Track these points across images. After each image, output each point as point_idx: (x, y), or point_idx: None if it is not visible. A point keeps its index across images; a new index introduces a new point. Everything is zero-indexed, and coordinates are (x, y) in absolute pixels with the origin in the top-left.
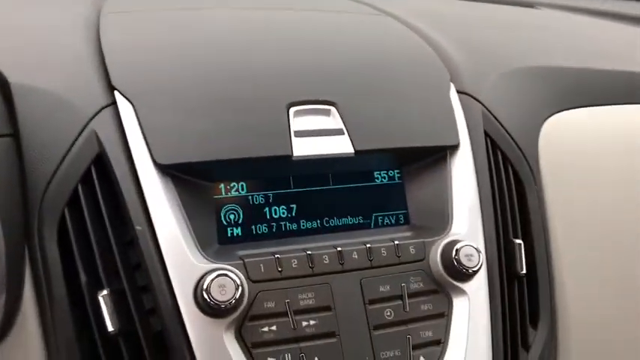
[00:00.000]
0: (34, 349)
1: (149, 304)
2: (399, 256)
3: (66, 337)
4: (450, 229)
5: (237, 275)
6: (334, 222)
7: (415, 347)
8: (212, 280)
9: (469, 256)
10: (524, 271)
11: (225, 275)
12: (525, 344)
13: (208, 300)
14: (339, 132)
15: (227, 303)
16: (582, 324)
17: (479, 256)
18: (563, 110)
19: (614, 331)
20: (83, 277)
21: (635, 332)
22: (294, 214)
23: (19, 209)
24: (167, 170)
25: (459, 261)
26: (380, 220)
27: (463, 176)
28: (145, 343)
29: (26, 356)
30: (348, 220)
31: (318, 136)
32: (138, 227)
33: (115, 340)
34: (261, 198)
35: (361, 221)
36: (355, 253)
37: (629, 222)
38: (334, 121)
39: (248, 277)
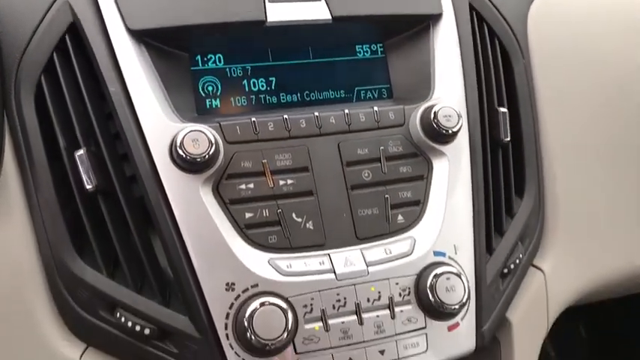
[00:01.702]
0: (16, 210)
1: (127, 163)
2: (377, 121)
3: (47, 197)
4: (432, 97)
5: (211, 133)
6: (315, 95)
7: (393, 207)
8: (185, 134)
9: (448, 116)
10: (508, 138)
11: (199, 131)
12: (510, 211)
13: (183, 155)
14: None
15: (201, 157)
16: (571, 193)
17: (458, 117)
18: None
19: (603, 200)
20: (61, 141)
21: (625, 201)
22: (273, 87)
23: None
24: (141, 37)
25: (437, 122)
26: (362, 94)
27: (446, 47)
28: (122, 198)
29: (9, 217)
30: (330, 94)
31: (294, 2)
32: (112, 88)
33: (95, 199)
34: (239, 70)
35: (343, 95)
36: (333, 118)
37: (621, 95)
38: None
39: (224, 139)
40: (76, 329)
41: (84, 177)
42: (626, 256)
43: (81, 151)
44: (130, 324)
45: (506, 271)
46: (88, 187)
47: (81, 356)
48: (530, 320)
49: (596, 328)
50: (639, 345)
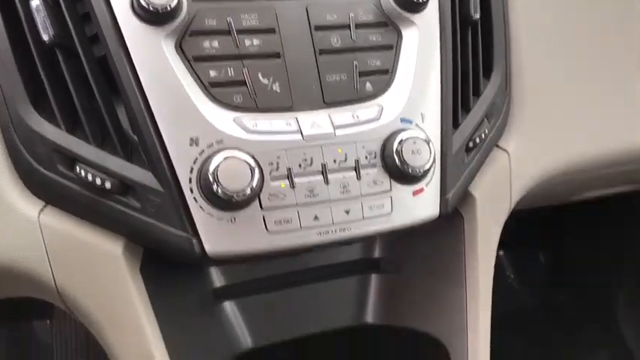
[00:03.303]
0: None
1: (82, 9)
2: None
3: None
4: None
5: None
6: None
7: (362, 74)
8: None
9: None
10: (478, 15)
11: None
12: (477, 90)
13: (145, 4)
14: None
15: (162, 7)
16: (538, 75)
17: None
18: None
19: (571, 83)
20: None
21: (594, 84)
22: None
23: None
24: None
25: None
26: None
27: None
28: (82, 53)
29: None
30: None
31: None
32: None
33: (54, 54)
34: None
35: None
36: None
37: None
38: None
39: None
40: (34, 186)
41: (40, 27)
42: (591, 140)
43: (37, 1)
44: (90, 178)
45: (471, 144)
46: (45, 37)
47: (39, 214)
48: (493, 198)
49: (554, 256)
50: (594, 271)
